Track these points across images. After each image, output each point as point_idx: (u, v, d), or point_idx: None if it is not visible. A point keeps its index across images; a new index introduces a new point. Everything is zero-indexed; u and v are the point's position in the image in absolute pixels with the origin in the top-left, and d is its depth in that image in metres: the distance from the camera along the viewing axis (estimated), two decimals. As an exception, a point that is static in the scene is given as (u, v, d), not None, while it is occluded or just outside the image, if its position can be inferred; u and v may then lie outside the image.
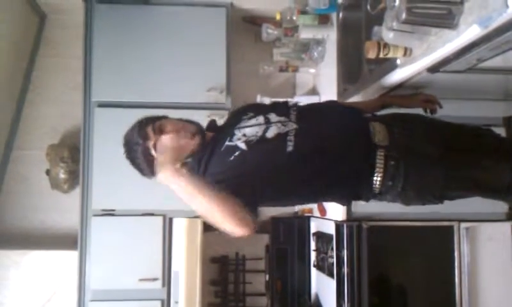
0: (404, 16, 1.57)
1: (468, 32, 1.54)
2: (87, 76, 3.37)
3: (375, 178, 1.85)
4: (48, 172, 3.57)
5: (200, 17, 3.46)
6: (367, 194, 1.91)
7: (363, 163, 1.86)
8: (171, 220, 3.31)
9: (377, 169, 1.85)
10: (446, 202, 2.01)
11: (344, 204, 2.53)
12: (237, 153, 1.80)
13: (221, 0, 3.48)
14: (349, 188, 1.93)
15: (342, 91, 2.90)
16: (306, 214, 3.66)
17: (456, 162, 1.93)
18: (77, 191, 3.44)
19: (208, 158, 1.86)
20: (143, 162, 1.92)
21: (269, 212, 3.79)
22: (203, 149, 1.90)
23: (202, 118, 3.26)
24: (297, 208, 3.80)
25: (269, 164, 1.78)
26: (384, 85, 2.26)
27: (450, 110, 2.92)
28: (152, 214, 3.31)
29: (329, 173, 1.84)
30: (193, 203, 1.61)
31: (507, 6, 1.32)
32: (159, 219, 3.31)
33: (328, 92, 3.24)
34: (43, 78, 3.77)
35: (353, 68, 2.78)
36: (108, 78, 3.34)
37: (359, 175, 1.87)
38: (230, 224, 1.56)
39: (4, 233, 3.67)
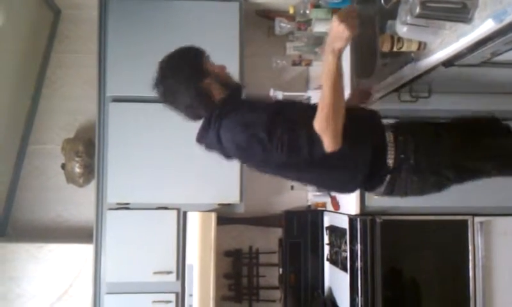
0: (418, 10, 1.56)
1: (483, 26, 1.53)
2: (101, 71, 3.40)
3: (388, 155, 1.87)
4: (63, 166, 3.61)
5: (214, 11, 3.47)
6: (382, 173, 1.90)
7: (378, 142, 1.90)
8: (185, 213, 3.33)
9: (388, 147, 1.87)
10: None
11: (353, 187, 2.26)
12: None
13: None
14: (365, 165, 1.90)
15: (355, 85, 2.89)
16: (320, 208, 3.67)
17: (464, 133, 1.97)
18: (92, 185, 3.48)
19: None
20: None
21: (282, 205, 3.81)
22: None
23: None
24: (310, 201, 3.81)
25: None
26: (399, 79, 2.25)
27: (464, 104, 2.92)
28: (166, 208, 3.34)
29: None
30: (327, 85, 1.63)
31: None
32: (173, 213, 3.33)
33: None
34: (58, 74, 3.81)
35: (367, 62, 2.76)
36: (122, 73, 3.36)
37: (374, 153, 1.88)
38: (333, 128, 1.65)
39: (22, 226, 3.73)
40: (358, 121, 1.86)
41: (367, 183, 1.97)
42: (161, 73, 2.01)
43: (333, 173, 1.94)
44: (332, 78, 1.60)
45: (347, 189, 2.19)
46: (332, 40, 1.58)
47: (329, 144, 1.67)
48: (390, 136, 1.89)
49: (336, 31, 1.55)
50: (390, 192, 1.94)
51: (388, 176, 1.89)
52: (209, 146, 2.03)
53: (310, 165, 1.85)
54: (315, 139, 1.70)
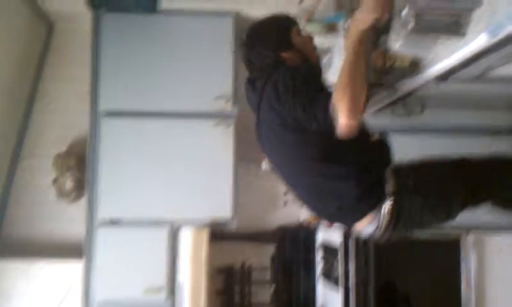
0: (411, 25, 1.55)
1: (477, 41, 1.52)
2: (94, 84, 3.39)
3: (387, 184, 1.83)
4: (55, 181, 3.57)
5: (208, 26, 3.47)
6: (381, 197, 1.84)
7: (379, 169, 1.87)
8: (177, 229, 3.30)
9: (387, 177, 1.83)
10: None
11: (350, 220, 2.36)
12: None
13: (228, 9, 3.47)
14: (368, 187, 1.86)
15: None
16: (313, 224, 3.64)
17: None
18: (84, 200, 3.44)
19: None
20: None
21: (275, 220, 3.78)
22: None
23: (209, 126, 3.34)
24: (303, 217, 3.78)
25: None
26: (392, 94, 2.24)
27: (459, 119, 2.92)
28: (158, 223, 3.30)
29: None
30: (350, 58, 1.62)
31: (516, 16, 1.31)
32: (165, 229, 3.30)
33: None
34: (51, 87, 3.78)
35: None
36: (115, 87, 3.36)
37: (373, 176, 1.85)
38: (351, 97, 1.55)
39: (12, 242, 3.67)
40: (366, 143, 1.87)
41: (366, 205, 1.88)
42: (249, 36, 2.09)
43: (330, 180, 1.89)
44: (357, 49, 1.60)
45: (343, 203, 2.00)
46: (366, 14, 1.57)
47: (344, 118, 1.55)
48: (389, 172, 1.85)
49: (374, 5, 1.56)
50: (395, 221, 1.84)
51: (388, 203, 1.82)
52: (255, 102, 2.04)
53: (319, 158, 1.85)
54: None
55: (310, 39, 2.12)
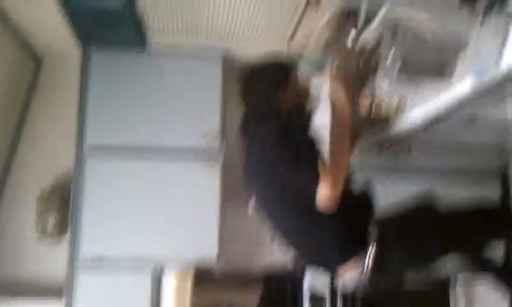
0: (398, 66, 1.56)
1: (463, 83, 1.52)
2: (81, 121, 3.36)
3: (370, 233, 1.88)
4: (37, 220, 3.49)
5: (196, 64, 3.48)
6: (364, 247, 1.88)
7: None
8: (161, 270, 3.24)
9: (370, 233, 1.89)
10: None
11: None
12: None
13: (217, 47, 3.49)
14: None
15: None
16: (300, 268, 3.57)
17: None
18: (66, 238, 3.36)
19: None
20: None
21: (263, 260, 3.71)
22: None
23: (195, 163, 3.31)
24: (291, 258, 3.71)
25: None
26: (379, 135, 2.23)
27: (446, 161, 2.91)
28: (141, 263, 3.24)
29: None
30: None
31: (502, 58, 1.31)
32: (148, 269, 3.23)
33: (324, 141, 3.21)
34: (37, 123, 3.73)
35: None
36: (102, 124, 3.33)
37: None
38: (336, 177, 1.71)
39: (-9, 281, 3.56)
40: (350, 196, 1.89)
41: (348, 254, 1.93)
42: (247, 74, 2.17)
43: (315, 230, 1.94)
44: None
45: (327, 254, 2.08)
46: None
47: (326, 189, 1.69)
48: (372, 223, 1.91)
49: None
50: (378, 269, 1.88)
51: (371, 251, 1.87)
52: (249, 139, 2.10)
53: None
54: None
55: (305, 86, 2.17)
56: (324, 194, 1.69)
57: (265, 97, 2.07)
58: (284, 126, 1.91)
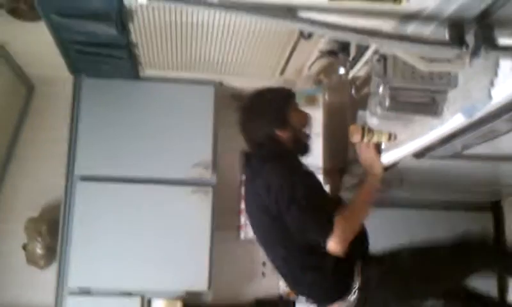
0: (387, 103, 1.55)
1: (453, 120, 1.52)
2: (71, 149, 3.33)
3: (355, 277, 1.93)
4: (25, 247, 3.44)
5: (188, 93, 3.46)
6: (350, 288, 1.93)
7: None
8: (149, 301, 3.18)
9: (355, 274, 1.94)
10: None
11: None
12: None
13: (210, 78, 3.48)
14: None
15: (327, 171, 2.87)
16: (292, 298, 3.53)
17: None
18: (54, 267, 3.31)
19: None
20: None
21: (253, 292, 3.67)
22: None
23: (186, 194, 3.28)
24: (282, 289, 3.67)
25: None
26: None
27: (437, 195, 2.90)
28: (130, 294, 3.18)
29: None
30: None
31: (490, 97, 1.31)
32: (137, 300, 3.17)
33: (315, 171, 3.20)
34: (27, 150, 3.70)
35: (339, 148, 2.76)
36: (93, 152, 3.29)
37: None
38: (348, 233, 1.81)
39: (-24, 309, 3.49)
40: None
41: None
42: (248, 104, 2.19)
43: (304, 269, 1.99)
44: (373, 194, 1.97)
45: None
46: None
47: (335, 245, 1.77)
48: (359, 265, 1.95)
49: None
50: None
51: (355, 293, 1.92)
52: (251, 172, 2.12)
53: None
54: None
55: (305, 115, 2.19)
56: (338, 241, 1.77)
57: (263, 135, 2.09)
58: (289, 168, 1.96)
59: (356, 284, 1.90)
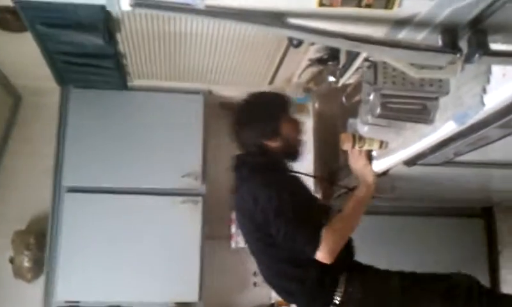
0: (378, 111, 1.54)
1: (444, 128, 1.51)
2: (58, 160, 3.29)
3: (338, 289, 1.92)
4: (12, 260, 3.38)
5: (178, 103, 3.42)
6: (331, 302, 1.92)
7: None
8: (139, 313, 3.13)
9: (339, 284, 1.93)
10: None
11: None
12: None
13: (199, 87, 3.45)
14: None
15: (318, 179, 2.85)
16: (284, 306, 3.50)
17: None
18: (41, 280, 3.25)
19: None
20: None
21: (245, 302, 3.63)
22: None
23: (176, 204, 3.25)
24: (274, 299, 3.64)
25: None
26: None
27: (428, 202, 2.89)
28: (119, 307, 3.13)
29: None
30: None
31: (483, 104, 1.29)
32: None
33: (305, 180, 3.18)
34: (14, 162, 3.63)
35: (330, 156, 2.75)
36: (80, 163, 3.25)
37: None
38: (336, 243, 1.82)
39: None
40: None
41: None
42: (240, 111, 2.18)
43: (288, 280, 2.01)
44: (365, 202, 1.97)
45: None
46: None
47: (324, 254, 1.79)
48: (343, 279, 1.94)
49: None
50: None
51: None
52: (238, 181, 2.12)
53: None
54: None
55: (298, 123, 2.19)
56: (327, 250, 1.78)
57: (254, 143, 2.09)
58: (277, 180, 1.97)
59: (338, 298, 1.90)
